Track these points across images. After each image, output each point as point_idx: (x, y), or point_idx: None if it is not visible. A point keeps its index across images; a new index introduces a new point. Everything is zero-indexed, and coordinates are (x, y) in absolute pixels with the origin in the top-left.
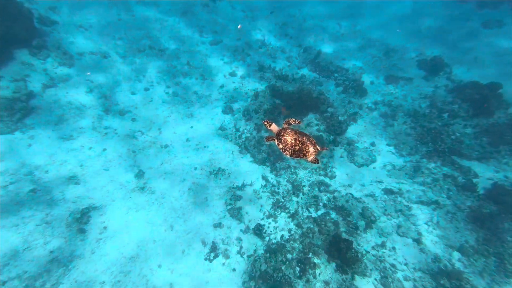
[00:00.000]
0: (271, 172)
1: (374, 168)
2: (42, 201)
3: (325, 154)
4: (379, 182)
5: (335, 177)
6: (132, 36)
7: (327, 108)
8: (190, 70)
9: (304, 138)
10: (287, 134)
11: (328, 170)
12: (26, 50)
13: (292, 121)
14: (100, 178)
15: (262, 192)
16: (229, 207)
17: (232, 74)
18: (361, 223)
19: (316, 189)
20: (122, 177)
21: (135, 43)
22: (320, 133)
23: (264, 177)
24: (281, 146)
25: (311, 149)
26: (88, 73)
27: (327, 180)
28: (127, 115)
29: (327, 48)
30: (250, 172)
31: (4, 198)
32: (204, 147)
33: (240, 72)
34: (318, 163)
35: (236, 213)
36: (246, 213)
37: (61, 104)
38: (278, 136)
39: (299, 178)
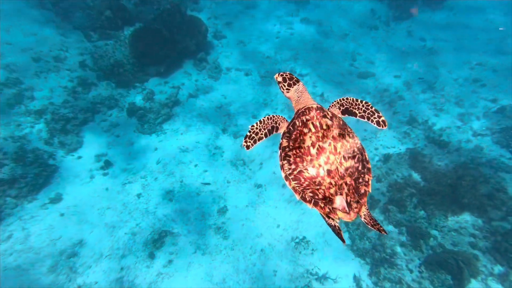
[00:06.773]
0: (369, 275)
1: None
2: (139, 209)
3: None
4: None
5: None
6: (280, 56)
7: (505, 215)
8: (322, 103)
9: (353, 165)
10: (315, 125)
11: None
12: (192, 61)
13: (361, 105)
14: (189, 201)
15: None
16: None
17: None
18: None
19: None
20: (207, 207)
21: (280, 63)
22: (475, 251)
23: (356, 278)
24: (285, 143)
25: (354, 203)
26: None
27: None
28: (238, 139)
29: None
30: (340, 260)
31: None
32: (297, 202)
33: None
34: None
35: None
36: None
37: (193, 115)
38: (295, 119)
39: None
